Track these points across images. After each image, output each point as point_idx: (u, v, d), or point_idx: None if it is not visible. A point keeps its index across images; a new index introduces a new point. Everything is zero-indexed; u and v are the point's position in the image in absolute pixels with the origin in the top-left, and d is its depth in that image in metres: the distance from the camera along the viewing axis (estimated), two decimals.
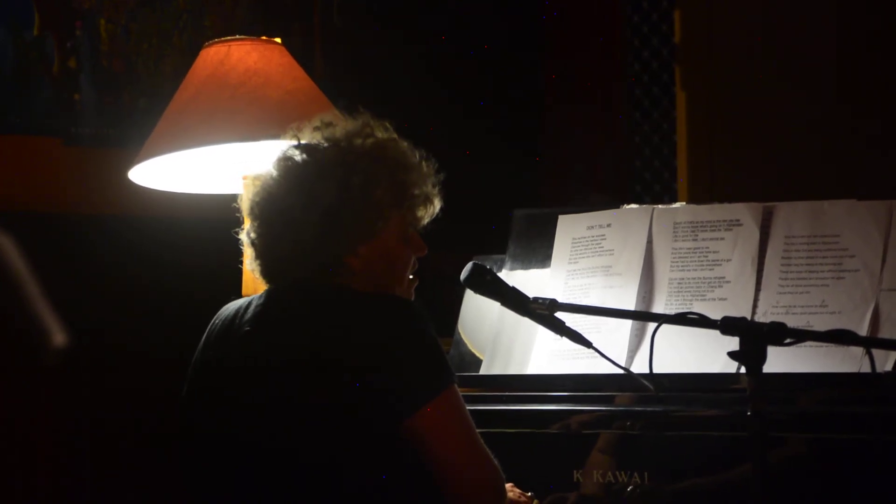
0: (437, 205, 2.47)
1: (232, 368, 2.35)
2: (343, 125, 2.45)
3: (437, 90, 4.67)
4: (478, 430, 2.31)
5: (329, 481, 2.24)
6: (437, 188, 2.47)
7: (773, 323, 2.22)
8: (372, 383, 2.23)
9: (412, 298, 2.46)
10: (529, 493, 2.54)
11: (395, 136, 2.46)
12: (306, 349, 2.28)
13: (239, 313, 2.39)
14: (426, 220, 2.47)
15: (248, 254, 2.44)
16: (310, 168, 2.38)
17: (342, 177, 2.36)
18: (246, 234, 2.44)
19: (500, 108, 4.87)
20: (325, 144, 2.41)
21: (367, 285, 2.37)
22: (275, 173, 2.40)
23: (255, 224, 2.41)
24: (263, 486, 2.27)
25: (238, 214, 2.56)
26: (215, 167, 3.12)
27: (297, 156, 2.40)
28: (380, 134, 2.44)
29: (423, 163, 2.46)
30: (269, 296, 2.39)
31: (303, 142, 2.43)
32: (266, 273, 2.42)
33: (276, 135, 2.76)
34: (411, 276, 2.47)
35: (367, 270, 2.38)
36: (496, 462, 2.31)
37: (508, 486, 2.46)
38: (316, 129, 2.45)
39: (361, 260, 2.37)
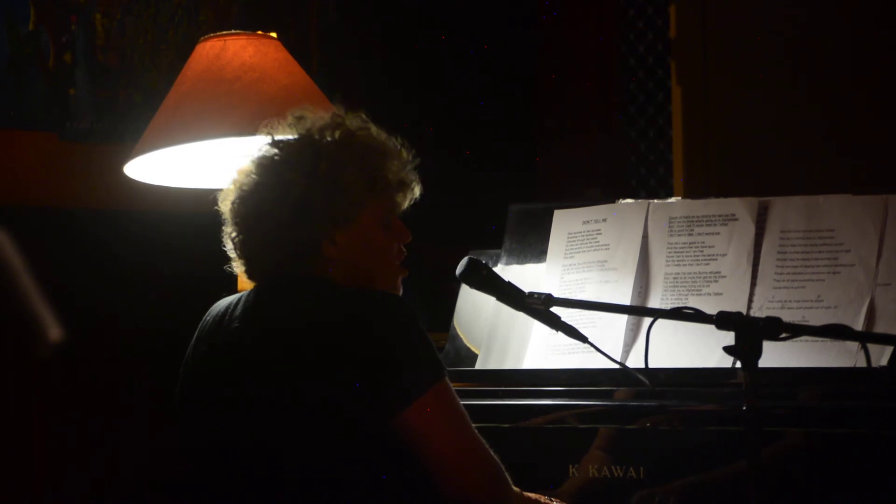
0: (417, 190, 2.48)
1: (222, 364, 2.35)
2: (314, 118, 2.46)
3: (434, 87, 4.66)
4: (473, 425, 2.31)
5: (322, 477, 2.24)
6: (414, 173, 2.47)
7: (768, 318, 2.22)
8: (362, 379, 2.22)
9: (399, 290, 2.46)
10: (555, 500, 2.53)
11: (365, 125, 2.46)
12: (296, 345, 2.28)
13: (229, 309, 2.39)
14: (405, 206, 2.47)
15: (233, 255, 2.46)
16: (279, 161, 2.40)
17: (310, 164, 2.37)
18: (228, 237, 2.45)
19: (497, 105, 4.87)
20: (294, 138, 2.43)
21: (348, 274, 2.38)
22: (247, 172, 2.42)
23: (233, 225, 2.42)
24: (256, 481, 2.27)
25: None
26: (211, 162, 3.12)
27: (268, 152, 2.42)
28: (350, 123, 2.45)
29: (401, 150, 2.46)
30: (258, 292, 2.40)
31: (275, 138, 2.44)
32: (250, 272, 2.43)
33: (259, 133, 2.76)
34: (400, 267, 2.47)
35: (347, 258, 2.38)
36: (493, 453, 2.31)
37: (536, 495, 2.45)
38: (289, 125, 2.47)
39: (339, 248, 2.37)
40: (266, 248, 2.38)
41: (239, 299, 2.40)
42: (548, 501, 2.47)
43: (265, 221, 2.37)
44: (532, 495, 2.44)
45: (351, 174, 2.38)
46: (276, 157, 2.41)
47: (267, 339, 2.32)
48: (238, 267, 2.46)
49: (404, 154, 2.46)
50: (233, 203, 2.42)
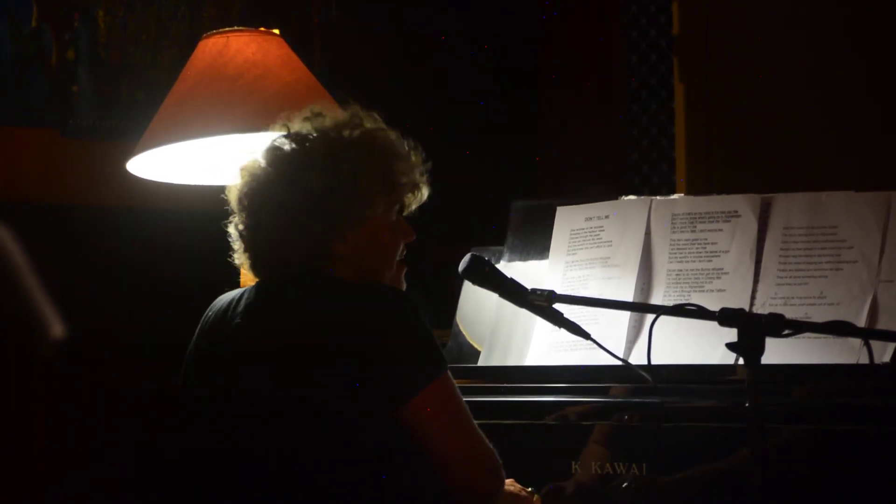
0: (426, 192, 2.49)
1: (224, 359, 2.35)
2: (332, 116, 2.47)
3: (435, 85, 4.66)
4: (475, 422, 2.32)
5: (322, 471, 2.25)
6: (424, 176, 2.48)
7: (771, 314, 2.22)
8: (364, 373, 2.24)
9: (402, 285, 2.47)
10: (530, 489, 2.54)
11: (383, 126, 2.47)
12: (297, 340, 2.28)
13: (232, 304, 2.40)
14: (413, 207, 2.49)
15: (238, 247, 2.45)
16: (298, 156, 2.39)
17: (330, 164, 2.38)
18: (234, 227, 2.45)
19: (499, 103, 4.87)
20: (315, 134, 2.43)
21: (355, 272, 2.38)
22: (263, 163, 2.42)
23: (244, 215, 2.42)
24: (256, 477, 2.28)
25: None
26: (213, 158, 3.12)
27: (286, 145, 2.42)
28: (368, 124, 2.46)
29: (412, 152, 2.47)
30: (260, 287, 2.41)
31: (292, 131, 2.44)
32: (256, 265, 2.43)
33: (274, 126, 2.76)
34: (400, 262, 2.48)
35: (355, 256, 2.39)
36: (492, 447, 2.32)
37: (509, 480, 2.46)
38: (306, 119, 2.47)
39: (349, 246, 2.38)
40: (275, 242, 2.38)
41: (241, 295, 2.41)
42: (527, 495, 2.49)
43: (278, 214, 2.37)
44: (513, 488, 2.46)
45: (371, 177, 2.39)
46: (294, 152, 2.40)
47: (268, 334, 2.32)
48: (243, 259, 2.45)
49: (417, 157, 2.47)
50: (245, 194, 2.41)
